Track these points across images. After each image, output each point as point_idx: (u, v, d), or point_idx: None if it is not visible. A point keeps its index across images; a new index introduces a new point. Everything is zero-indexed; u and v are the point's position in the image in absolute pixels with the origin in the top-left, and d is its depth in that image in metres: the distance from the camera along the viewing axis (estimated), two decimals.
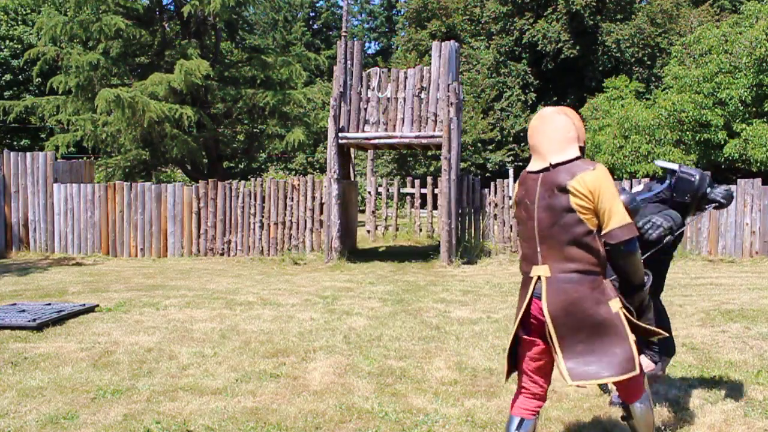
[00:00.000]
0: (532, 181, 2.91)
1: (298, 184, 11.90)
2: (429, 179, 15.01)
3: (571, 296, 2.78)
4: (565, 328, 2.81)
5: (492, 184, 11.73)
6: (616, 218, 2.75)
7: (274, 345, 5.52)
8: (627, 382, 2.91)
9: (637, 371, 2.84)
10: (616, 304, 2.83)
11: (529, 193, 2.90)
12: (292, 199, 11.89)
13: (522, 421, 2.96)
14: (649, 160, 19.12)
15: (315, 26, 47.18)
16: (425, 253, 12.20)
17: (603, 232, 2.78)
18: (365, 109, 11.71)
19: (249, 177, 21.57)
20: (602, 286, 2.81)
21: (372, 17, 50.39)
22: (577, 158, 2.86)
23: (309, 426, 3.78)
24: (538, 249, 2.87)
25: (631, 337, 2.83)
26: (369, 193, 15.55)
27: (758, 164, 16.87)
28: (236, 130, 18.57)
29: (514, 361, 3.07)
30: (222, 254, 11.95)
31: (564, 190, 2.77)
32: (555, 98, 31.45)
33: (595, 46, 30.45)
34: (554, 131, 2.89)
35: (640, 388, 3.01)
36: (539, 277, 2.84)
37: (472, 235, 11.57)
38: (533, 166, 2.94)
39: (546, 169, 2.86)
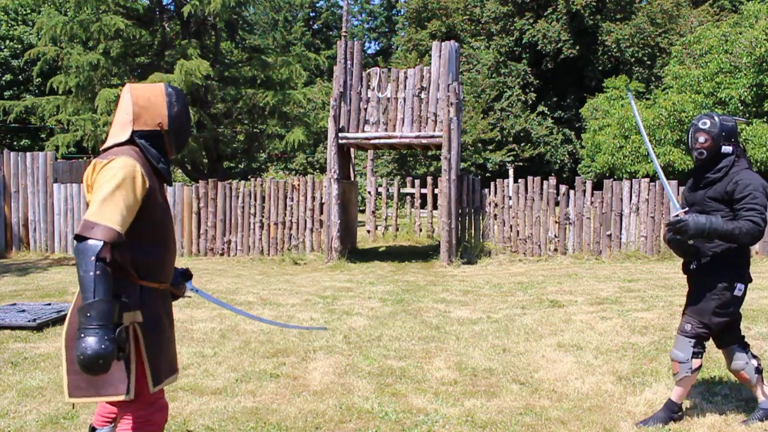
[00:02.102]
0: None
1: (298, 184, 11.90)
2: (429, 179, 15.01)
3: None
4: (73, 330, 2.43)
5: (492, 184, 11.73)
6: (90, 209, 2.34)
7: (274, 345, 5.52)
8: (119, 404, 2.54)
9: (123, 396, 2.43)
10: (130, 317, 2.42)
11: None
12: (292, 199, 11.89)
13: (94, 429, 2.73)
14: (649, 160, 19.13)
15: (315, 26, 47.20)
16: (425, 253, 12.19)
17: None
18: (365, 109, 11.71)
19: (249, 177, 21.58)
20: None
21: (372, 17, 50.41)
22: (121, 144, 2.53)
23: (309, 426, 3.78)
24: None
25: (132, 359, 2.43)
26: (369, 193, 15.55)
27: (758, 164, 16.87)
28: (236, 130, 18.57)
29: None
30: (222, 254, 11.95)
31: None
32: (555, 98, 31.47)
33: (595, 46, 30.48)
34: (118, 110, 2.60)
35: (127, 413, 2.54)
36: None
37: (472, 235, 11.57)
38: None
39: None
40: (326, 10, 47.06)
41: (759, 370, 3.79)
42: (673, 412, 3.75)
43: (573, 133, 29.93)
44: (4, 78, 25.19)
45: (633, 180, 11.47)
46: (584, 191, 11.39)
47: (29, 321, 6.07)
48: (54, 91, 16.73)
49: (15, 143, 25.81)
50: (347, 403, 4.13)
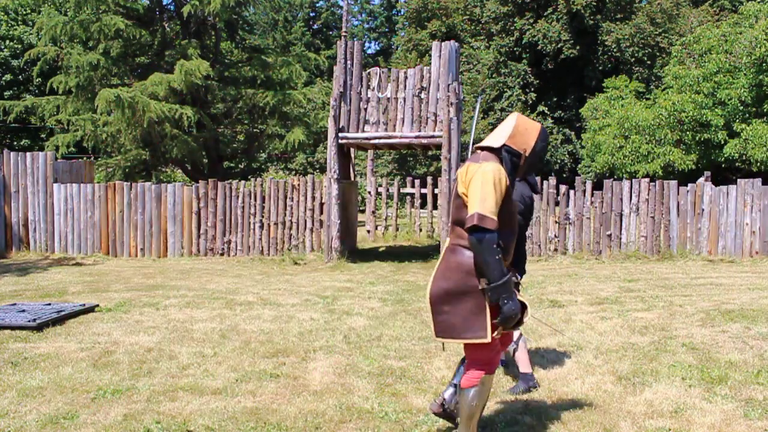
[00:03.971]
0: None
1: (298, 184, 11.90)
2: (429, 179, 15.01)
3: (449, 264, 3.22)
4: (440, 290, 3.22)
5: None
6: (471, 207, 3.08)
7: (274, 345, 5.52)
8: (470, 347, 3.31)
9: (484, 340, 3.18)
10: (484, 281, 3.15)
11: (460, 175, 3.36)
12: (292, 199, 11.89)
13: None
14: (650, 160, 19.13)
15: (315, 26, 47.19)
16: (425, 253, 12.19)
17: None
18: (365, 109, 11.71)
19: (249, 177, 21.55)
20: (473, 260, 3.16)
21: (372, 17, 50.40)
22: (490, 149, 3.27)
23: (309, 426, 3.78)
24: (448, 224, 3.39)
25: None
26: (369, 193, 15.55)
27: (758, 164, 16.87)
28: (236, 130, 18.56)
29: None
30: (222, 254, 11.95)
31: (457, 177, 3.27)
32: (555, 98, 31.44)
33: (595, 46, 30.45)
34: (503, 125, 3.35)
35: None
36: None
37: None
38: None
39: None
40: (326, 10, 47.05)
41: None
42: (529, 380, 4.42)
43: (573, 133, 29.92)
44: (4, 78, 25.18)
45: (633, 180, 11.47)
46: (584, 191, 11.39)
47: (29, 321, 6.07)
48: (54, 91, 16.72)
49: (15, 143, 25.80)
50: (347, 403, 4.13)
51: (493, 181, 3.09)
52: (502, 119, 28.33)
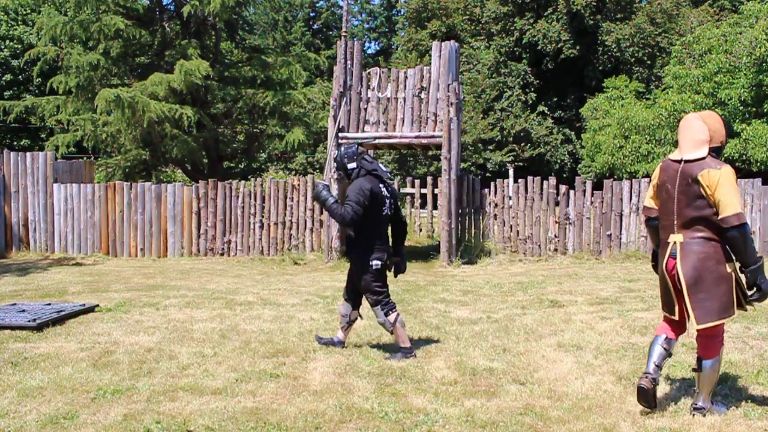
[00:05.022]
0: (672, 170, 3.80)
1: (298, 184, 11.90)
2: (429, 179, 15.00)
3: (699, 256, 3.71)
4: (694, 280, 3.70)
5: (492, 184, 11.73)
6: (728, 208, 3.59)
7: (274, 345, 5.52)
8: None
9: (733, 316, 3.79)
10: (730, 266, 3.72)
11: (670, 178, 3.81)
12: (292, 199, 11.89)
13: (665, 337, 3.90)
14: (650, 160, 19.13)
15: (315, 26, 47.19)
16: (425, 253, 12.19)
17: (719, 217, 3.64)
18: (365, 109, 11.71)
19: (249, 177, 21.55)
20: (719, 250, 3.71)
21: (372, 17, 50.39)
22: (704, 158, 3.71)
23: (309, 426, 3.78)
24: (675, 221, 3.79)
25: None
26: None
27: (758, 164, 16.86)
28: (236, 130, 18.57)
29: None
30: (222, 254, 11.95)
31: (696, 181, 3.66)
32: (555, 98, 31.44)
33: (595, 46, 30.46)
34: (693, 131, 3.76)
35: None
36: (675, 242, 3.77)
37: (472, 235, 11.57)
38: (673, 156, 3.86)
39: (678, 162, 3.79)
40: (326, 10, 47.04)
41: (350, 322, 5.39)
42: (408, 352, 5.10)
43: (573, 133, 29.93)
44: (4, 78, 25.20)
45: (633, 180, 11.47)
46: (584, 191, 11.39)
47: (29, 321, 6.07)
48: (54, 91, 16.73)
49: (15, 143, 25.81)
50: (347, 403, 4.13)
51: (735, 183, 3.65)
52: (503, 119, 28.37)
